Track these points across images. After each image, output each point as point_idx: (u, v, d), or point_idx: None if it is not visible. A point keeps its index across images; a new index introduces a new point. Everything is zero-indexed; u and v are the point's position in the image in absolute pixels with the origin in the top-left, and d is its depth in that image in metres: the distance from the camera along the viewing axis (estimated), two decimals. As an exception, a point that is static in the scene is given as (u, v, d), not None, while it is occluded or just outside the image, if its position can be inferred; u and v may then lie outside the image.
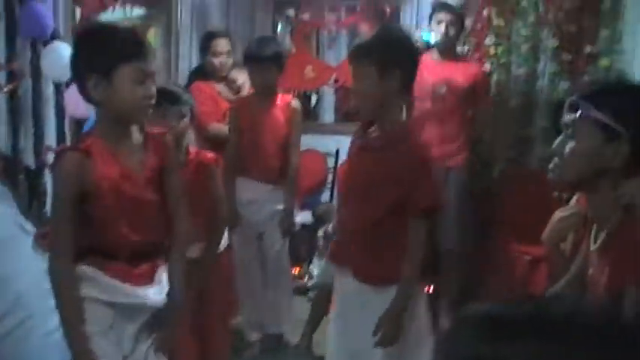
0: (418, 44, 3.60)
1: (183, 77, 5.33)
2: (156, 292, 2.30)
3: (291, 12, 6.28)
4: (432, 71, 4.07)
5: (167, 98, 3.00)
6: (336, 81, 5.54)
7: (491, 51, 4.82)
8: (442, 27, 4.13)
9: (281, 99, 3.93)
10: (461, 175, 4.32)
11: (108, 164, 2.17)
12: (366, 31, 5.53)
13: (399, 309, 2.47)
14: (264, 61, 3.76)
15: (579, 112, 1.77)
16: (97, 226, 2.22)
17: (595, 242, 1.92)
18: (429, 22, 4.25)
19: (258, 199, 3.87)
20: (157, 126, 2.94)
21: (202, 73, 4.45)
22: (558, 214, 2.28)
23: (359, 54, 2.47)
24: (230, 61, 4.45)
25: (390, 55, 2.44)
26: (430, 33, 4.02)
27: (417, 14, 5.17)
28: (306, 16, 6.28)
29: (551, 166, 1.90)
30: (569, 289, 2.10)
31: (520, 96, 4.77)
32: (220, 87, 4.47)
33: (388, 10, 5.65)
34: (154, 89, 2.19)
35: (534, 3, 4.69)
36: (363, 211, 2.53)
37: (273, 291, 3.97)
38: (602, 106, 1.73)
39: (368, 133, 2.59)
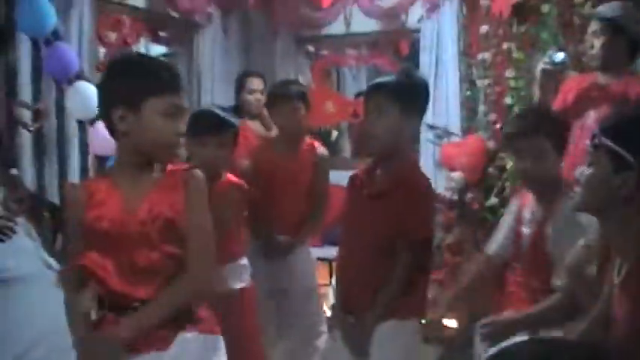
0: (548, 67, 3.40)
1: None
2: None
3: (311, 48, 6.34)
4: (586, 96, 3.44)
5: (207, 125, 2.95)
6: (356, 115, 5.52)
7: (512, 84, 4.83)
8: (592, 40, 3.40)
9: (307, 143, 3.70)
10: None
11: (105, 203, 2.02)
12: (386, 66, 5.59)
13: (366, 333, 2.48)
14: (291, 99, 3.56)
15: (594, 142, 1.83)
16: (92, 272, 2.03)
17: (618, 276, 1.91)
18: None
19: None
20: (197, 154, 2.92)
21: (237, 112, 4.49)
22: (579, 244, 2.27)
23: (384, 92, 2.48)
24: (263, 98, 4.52)
25: (414, 99, 2.51)
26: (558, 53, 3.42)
27: (437, 45, 5.17)
28: (326, 52, 6.36)
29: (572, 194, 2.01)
30: (595, 325, 2.08)
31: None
32: (253, 124, 4.56)
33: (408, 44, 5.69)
34: (181, 126, 2.05)
35: (554, 36, 4.69)
36: (377, 257, 2.52)
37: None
38: (615, 136, 1.77)
39: (373, 177, 2.59)
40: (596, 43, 3.35)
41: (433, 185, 4.57)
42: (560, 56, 3.41)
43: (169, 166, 2.13)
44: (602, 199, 1.83)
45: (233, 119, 3.08)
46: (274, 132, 4.56)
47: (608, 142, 1.77)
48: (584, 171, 1.89)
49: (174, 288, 2.03)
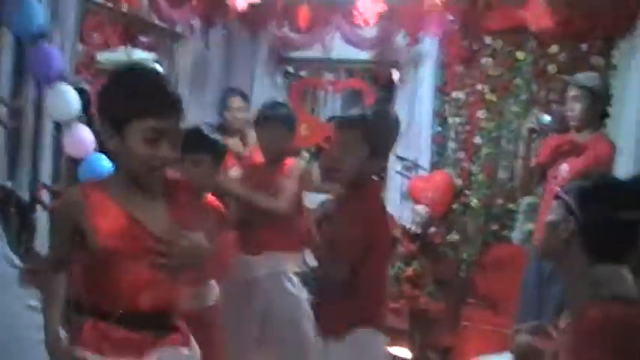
0: (534, 127, 3.92)
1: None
2: None
3: (290, 68, 6.41)
4: (559, 150, 3.89)
5: (201, 145, 2.97)
6: (329, 140, 5.56)
7: (483, 124, 4.97)
8: (573, 104, 3.86)
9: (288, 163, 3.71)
10: None
11: (108, 215, 2.00)
12: (364, 93, 5.68)
13: None
14: (276, 121, 3.61)
15: (557, 195, 2.07)
16: (98, 280, 2.03)
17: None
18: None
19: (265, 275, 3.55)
20: (189, 173, 2.89)
21: (223, 129, 4.67)
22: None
23: (355, 130, 2.56)
24: (243, 116, 4.82)
25: (385, 140, 2.63)
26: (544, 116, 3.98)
27: (414, 79, 5.29)
28: (304, 74, 6.43)
29: None
30: None
31: (508, 170, 4.89)
32: (232, 141, 4.63)
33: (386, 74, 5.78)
34: (167, 151, 1.97)
35: (527, 82, 4.84)
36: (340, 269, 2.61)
37: None
38: (569, 190, 2.02)
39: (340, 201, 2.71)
40: (576, 107, 3.82)
41: (398, 216, 4.74)
42: (546, 119, 3.93)
43: (169, 178, 2.13)
44: (554, 242, 2.01)
45: (222, 141, 3.14)
46: (248, 149, 4.63)
47: (564, 196, 2.00)
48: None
49: None
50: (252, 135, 4.66)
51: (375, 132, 2.55)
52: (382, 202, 2.81)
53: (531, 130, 3.96)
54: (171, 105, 1.98)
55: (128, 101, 1.95)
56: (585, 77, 3.96)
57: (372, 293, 2.65)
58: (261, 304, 3.56)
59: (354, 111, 2.71)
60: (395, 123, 2.70)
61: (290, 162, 3.75)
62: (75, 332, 2.12)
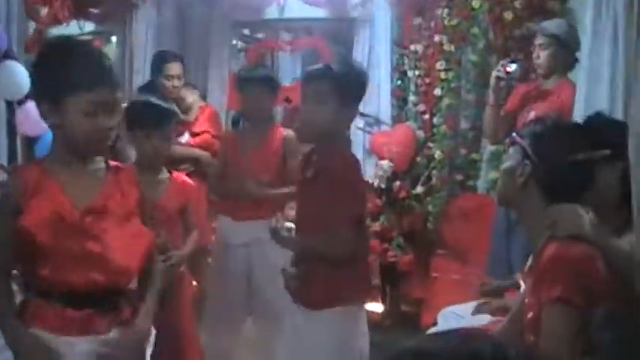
0: (501, 75, 3.86)
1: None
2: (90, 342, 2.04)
3: (246, 31, 6.33)
4: (528, 96, 3.94)
5: (155, 119, 2.97)
6: (288, 101, 5.52)
7: (442, 76, 4.96)
8: (539, 51, 3.87)
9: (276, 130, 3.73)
10: None
11: (43, 191, 2.00)
12: (322, 52, 5.63)
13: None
14: (255, 84, 3.59)
15: (511, 139, 2.11)
16: (29, 257, 2.03)
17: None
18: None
19: (249, 241, 3.57)
20: (143, 147, 2.96)
21: (152, 90, 4.42)
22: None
23: (323, 81, 2.49)
24: (181, 83, 4.53)
25: (353, 89, 2.54)
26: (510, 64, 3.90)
27: (370, 34, 5.24)
28: (261, 36, 6.35)
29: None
30: (514, 322, 2.22)
31: (470, 120, 4.90)
32: None
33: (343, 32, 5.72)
34: (108, 122, 2.00)
35: (484, 30, 4.82)
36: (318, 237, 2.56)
37: None
38: (524, 134, 2.05)
39: (311, 162, 2.62)
40: (542, 55, 3.82)
41: (362, 172, 4.74)
42: (512, 67, 3.89)
43: (112, 163, 2.16)
44: (511, 187, 2.05)
45: (173, 108, 3.15)
46: (192, 116, 4.57)
47: (520, 141, 2.02)
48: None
49: (155, 273, 2.25)
50: (190, 100, 4.60)
51: (342, 81, 2.47)
52: (356, 159, 2.72)
53: (498, 79, 3.91)
54: (103, 76, 2.00)
55: (62, 77, 1.96)
56: (551, 24, 3.95)
57: (358, 264, 2.59)
58: (244, 269, 3.61)
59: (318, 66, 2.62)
60: (360, 72, 2.64)
61: (280, 129, 3.75)
62: (22, 310, 2.09)
